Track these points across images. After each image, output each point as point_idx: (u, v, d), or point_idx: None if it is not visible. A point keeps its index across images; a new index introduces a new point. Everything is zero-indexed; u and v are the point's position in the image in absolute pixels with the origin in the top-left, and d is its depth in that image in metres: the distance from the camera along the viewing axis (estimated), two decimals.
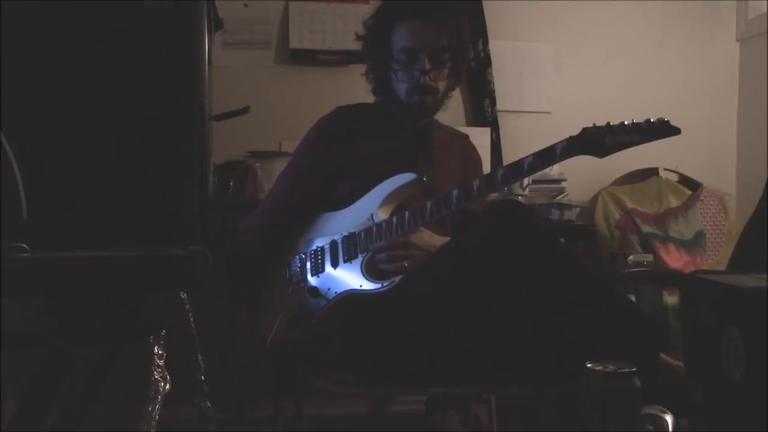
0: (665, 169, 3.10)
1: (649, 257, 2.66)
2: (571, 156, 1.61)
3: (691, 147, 3.15)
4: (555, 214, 2.76)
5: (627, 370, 0.99)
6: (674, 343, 2.06)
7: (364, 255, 1.83)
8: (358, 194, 1.91)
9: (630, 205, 2.91)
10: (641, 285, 2.27)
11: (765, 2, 3.08)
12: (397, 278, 1.73)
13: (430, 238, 1.84)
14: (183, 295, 1.91)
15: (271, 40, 2.94)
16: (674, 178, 3.10)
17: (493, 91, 3.06)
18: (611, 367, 1.00)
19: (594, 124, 1.59)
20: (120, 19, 1.54)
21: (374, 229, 1.82)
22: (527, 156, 1.63)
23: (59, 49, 1.53)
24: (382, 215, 1.84)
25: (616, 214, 2.89)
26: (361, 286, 1.79)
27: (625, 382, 0.98)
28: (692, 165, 3.13)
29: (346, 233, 1.88)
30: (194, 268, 1.41)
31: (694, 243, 2.90)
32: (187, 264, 1.40)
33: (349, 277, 1.83)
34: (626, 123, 1.55)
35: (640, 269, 2.38)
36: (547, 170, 2.84)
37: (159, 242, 1.48)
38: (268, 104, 2.84)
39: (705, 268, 2.82)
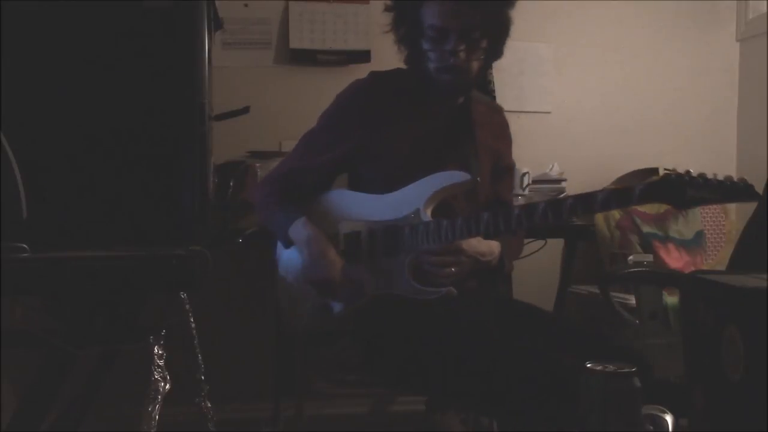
0: (665, 169, 3.09)
1: (649, 257, 2.66)
2: (648, 202, 1.55)
3: (691, 147, 3.15)
4: None
5: (627, 370, 0.99)
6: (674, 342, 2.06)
7: (408, 254, 1.69)
8: (393, 178, 1.77)
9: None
10: (641, 285, 2.27)
11: (765, 2, 3.07)
12: (446, 289, 1.65)
13: (478, 245, 1.74)
14: (183, 295, 1.92)
15: (271, 40, 2.94)
16: None
17: (493, 90, 3.05)
18: (611, 367, 1.00)
19: (674, 169, 1.52)
20: (120, 19, 1.54)
21: (421, 228, 1.68)
22: (601, 191, 1.54)
23: (59, 49, 1.53)
24: (426, 212, 1.71)
25: (616, 214, 2.89)
26: (409, 288, 1.67)
27: (625, 382, 0.98)
28: (692, 165, 3.12)
29: (384, 223, 1.74)
30: (194, 268, 1.41)
31: (694, 243, 2.89)
32: (187, 264, 1.40)
33: (390, 275, 1.70)
34: (709, 178, 1.48)
35: (640, 269, 2.38)
36: (546, 170, 2.85)
37: (159, 242, 1.48)
38: (268, 104, 2.84)
39: (705, 268, 2.82)
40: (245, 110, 2.08)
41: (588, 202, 1.54)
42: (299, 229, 1.76)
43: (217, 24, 1.74)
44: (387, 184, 1.77)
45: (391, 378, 1.80)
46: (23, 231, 1.39)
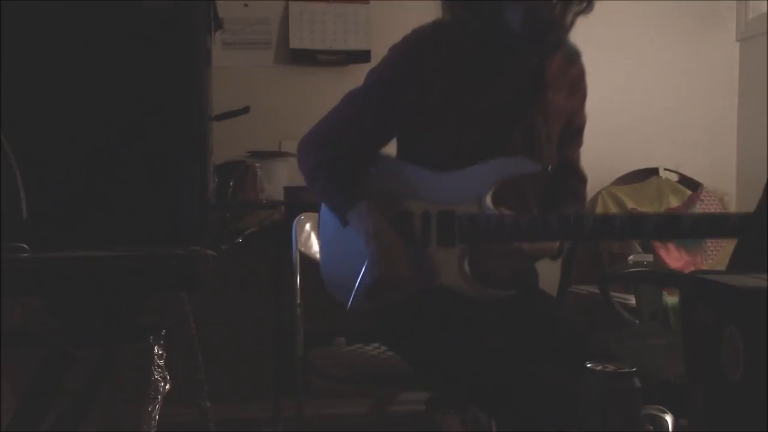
0: (665, 169, 3.09)
1: (649, 257, 2.66)
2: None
3: (691, 147, 3.15)
4: None
5: (627, 370, 0.99)
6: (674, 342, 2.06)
7: (463, 246, 1.51)
8: (453, 152, 1.56)
9: (630, 205, 2.91)
10: (641, 285, 2.27)
11: (765, 2, 3.07)
12: (506, 292, 1.51)
13: (542, 243, 1.58)
14: (183, 295, 1.92)
15: (271, 40, 2.94)
16: (674, 178, 3.10)
17: None
18: (611, 367, 1.00)
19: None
20: (120, 19, 1.54)
21: (482, 220, 1.50)
22: (688, 214, 1.49)
23: (59, 49, 1.53)
24: (488, 200, 1.52)
25: None
26: (453, 284, 1.51)
27: (625, 382, 0.98)
28: (692, 165, 3.13)
29: (440, 207, 1.53)
30: (194, 268, 1.41)
31: (694, 243, 2.90)
32: (187, 264, 1.40)
33: (442, 267, 1.53)
34: None
35: (640, 269, 2.38)
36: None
37: (159, 242, 1.48)
38: (268, 104, 2.84)
39: (705, 268, 2.82)
40: (245, 110, 2.08)
41: (673, 224, 1.40)
42: (362, 216, 1.53)
43: (217, 24, 1.74)
44: (445, 159, 1.56)
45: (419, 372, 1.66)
46: (23, 231, 1.39)
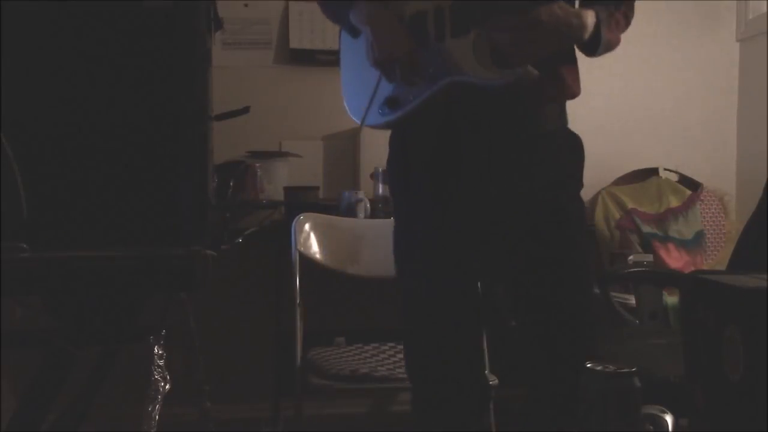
0: (665, 169, 3.09)
1: (649, 257, 2.66)
2: None
3: (691, 147, 3.15)
4: None
5: (627, 370, 0.99)
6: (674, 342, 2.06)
7: (477, 31, 1.41)
8: None
9: (630, 205, 2.91)
10: (641, 285, 2.27)
11: (765, 2, 3.07)
12: (522, 69, 1.37)
13: (563, 14, 1.40)
14: (183, 295, 1.92)
15: (270, 40, 2.94)
16: (674, 178, 3.10)
17: None
18: (611, 367, 1.00)
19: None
20: (120, 19, 1.54)
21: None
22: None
23: (59, 49, 1.53)
24: None
25: (616, 214, 2.89)
26: (471, 73, 1.41)
27: (625, 382, 0.98)
28: (692, 165, 3.13)
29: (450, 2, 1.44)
30: (194, 268, 1.41)
31: (694, 243, 2.90)
32: (187, 264, 1.40)
33: (456, 59, 1.43)
34: None
35: (640, 269, 2.38)
36: None
37: (159, 242, 1.48)
38: (268, 104, 2.84)
39: (705, 268, 2.82)
40: (245, 110, 2.08)
41: None
42: (360, 9, 1.50)
43: (217, 24, 1.74)
44: None
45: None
46: (23, 231, 1.39)
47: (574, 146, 1.57)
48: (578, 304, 1.53)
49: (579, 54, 1.60)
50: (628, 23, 1.64)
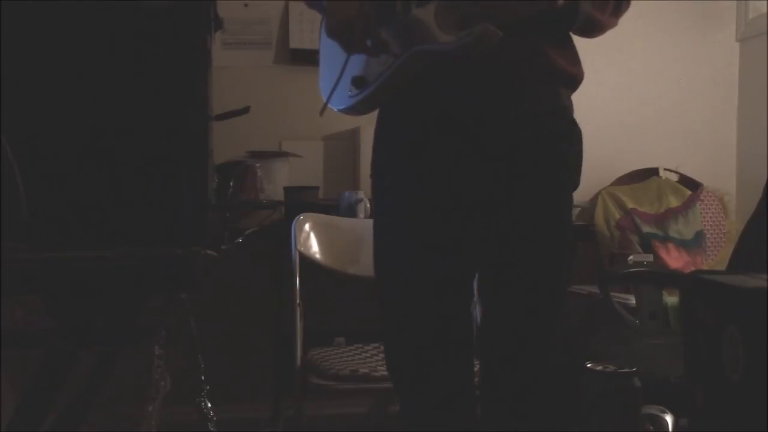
0: (665, 169, 3.09)
1: (649, 257, 2.66)
2: None
3: (691, 147, 3.15)
4: None
5: (627, 370, 0.99)
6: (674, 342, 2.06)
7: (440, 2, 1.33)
8: None
9: (630, 205, 2.91)
10: (641, 285, 2.27)
11: (765, 2, 3.07)
12: (480, 27, 1.25)
13: None
14: (183, 296, 1.92)
15: (271, 40, 2.94)
16: (674, 178, 3.10)
17: None
18: (611, 367, 1.00)
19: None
20: (120, 18, 1.54)
21: None
22: None
23: (59, 49, 1.53)
24: None
25: (616, 214, 2.89)
26: (430, 39, 1.33)
27: (625, 382, 0.99)
28: (692, 165, 3.13)
29: None
30: (194, 268, 1.41)
31: (694, 243, 2.90)
32: (187, 264, 1.40)
33: (419, 29, 1.36)
34: None
35: (640, 269, 2.38)
36: None
37: (159, 242, 1.48)
38: (268, 104, 2.84)
39: (705, 268, 2.82)
40: (245, 110, 2.08)
41: None
42: None
43: (217, 24, 1.74)
44: None
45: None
46: (23, 231, 1.39)
47: (570, 134, 1.50)
48: (549, 292, 1.43)
49: (581, 54, 1.58)
50: (619, 8, 1.58)
